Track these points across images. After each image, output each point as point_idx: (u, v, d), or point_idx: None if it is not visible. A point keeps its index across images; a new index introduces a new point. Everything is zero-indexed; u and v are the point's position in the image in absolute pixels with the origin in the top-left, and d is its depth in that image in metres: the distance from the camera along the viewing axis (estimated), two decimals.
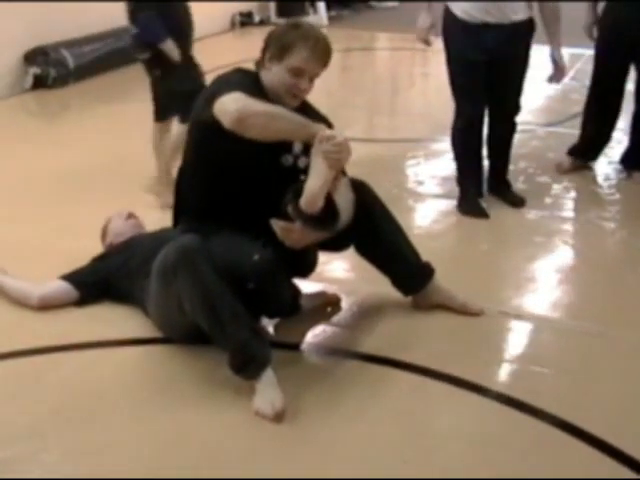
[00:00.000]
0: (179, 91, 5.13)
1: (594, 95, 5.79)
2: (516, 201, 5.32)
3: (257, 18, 11.97)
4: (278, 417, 3.11)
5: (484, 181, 5.47)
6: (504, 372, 3.51)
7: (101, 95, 8.13)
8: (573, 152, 5.96)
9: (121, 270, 3.88)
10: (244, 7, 11.89)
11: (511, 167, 5.88)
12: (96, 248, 4.19)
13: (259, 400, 3.17)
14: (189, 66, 5.43)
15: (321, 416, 3.17)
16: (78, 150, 6.29)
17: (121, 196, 5.13)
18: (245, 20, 11.73)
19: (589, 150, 5.96)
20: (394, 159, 6.06)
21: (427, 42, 5.30)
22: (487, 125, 5.33)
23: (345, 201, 3.47)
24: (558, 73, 5.29)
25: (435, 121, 6.82)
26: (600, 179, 5.87)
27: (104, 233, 4.30)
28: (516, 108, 5.32)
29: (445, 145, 6.06)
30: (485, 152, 5.44)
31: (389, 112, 8.05)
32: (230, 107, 3.21)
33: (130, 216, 4.35)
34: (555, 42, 5.15)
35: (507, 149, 5.48)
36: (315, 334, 3.77)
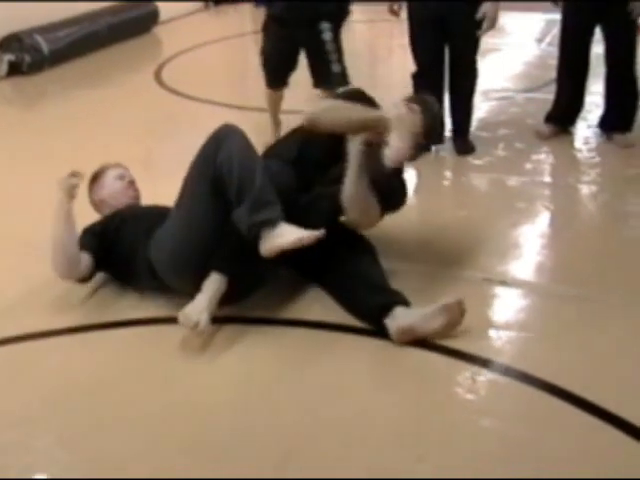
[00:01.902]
0: None
1: (563, 60, 5.83)
2: (462, 149, 5.52)
3: None
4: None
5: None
6: (490, 339, 3.52)
7: (77, 80, 8.10)
8: (550, 118, 5.99)
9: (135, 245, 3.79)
10: None
11: (491, 134, 5.91)
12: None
13: (291, 234, 3.37)
14: None
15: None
16: (58, 136, 6.27)
17: None
18: None
19: (565, 115, 5.99)
20: None
21: (395, 13, 5.67)
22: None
23: None
24: (488, 23, 5.38)
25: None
26: (580, 143, 5.88)
27: (98, 184, 4.17)
28: (472, 63, 5.61)
29: None
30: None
31: (368, 84, 8.00)
32: (306, 112, 3.63)
33: (133, 183, 4.23)
34: None
35: (466, 98, 5.74)
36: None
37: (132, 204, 4.14)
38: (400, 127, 3.52)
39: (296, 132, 4.03)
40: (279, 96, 5.86)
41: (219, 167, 3.49)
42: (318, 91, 5.57)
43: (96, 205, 4.16)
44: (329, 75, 5.45)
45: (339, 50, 5.46)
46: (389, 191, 3.84)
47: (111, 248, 3.82)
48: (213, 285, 3.51)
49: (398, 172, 3.89)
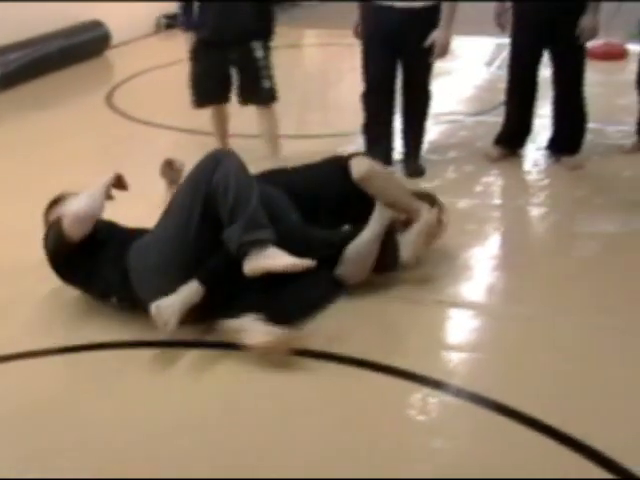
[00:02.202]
0: None
1: (512, 83, 5.90)
2: (412, 172, 5.57)
3: (180, 23, 11.85)
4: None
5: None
6: (442, 360, 3.55)
7: (29, 103, 8.03)
8: (499, 141, 6.05)
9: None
10: (169, 9, 11.80)
11: (440, 157, 5.96)
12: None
13: (280, 259, 3.51)
14: None
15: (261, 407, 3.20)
16: (8, 159, 6.22)
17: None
18: (170, 22, 11.63)
19: (514, 138, 6.06)
20: (326, 153, 6.05)
21: (359, 35, 5.72)
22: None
23: None
24: (438, 50, 5.47)
25: None
26: (529, 165, 5.95)
27: (59, 206, 4.10)
28: (425, 86, 5.70)
29: None
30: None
31: (320, 107, 8.08)
32: (367, 163, 4.16)
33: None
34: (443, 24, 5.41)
35: (417, 121, 5.82)
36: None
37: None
38: (423, 230, 4.12)
39: (316, 171, 4.33)
40: (222, 113, 5.94)
41: (215, 185, 3.58)
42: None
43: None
44: (260, 91, 5.70)
45: (269, 67, 5.68)
46: (384, 255, 4.03)
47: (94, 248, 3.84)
48: (189, 291, 3.56)
49: (392, 238, 4.08)
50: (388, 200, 4.03)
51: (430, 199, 4.37)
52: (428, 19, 5.38)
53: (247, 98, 5.76)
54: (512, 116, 5.97)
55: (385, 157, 5.53)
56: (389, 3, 5.32)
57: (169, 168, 4.46)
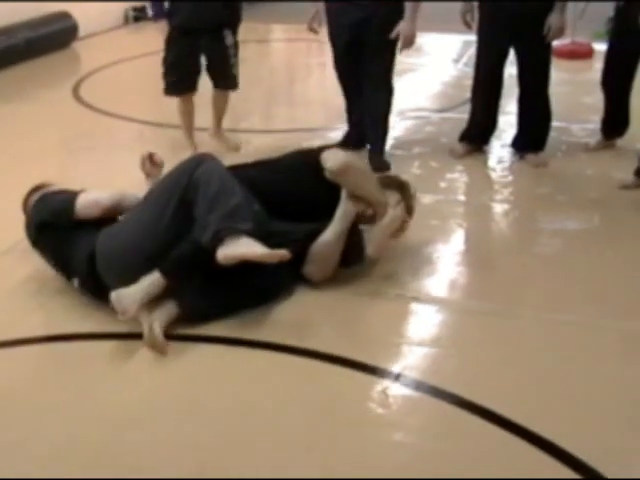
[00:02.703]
0: None
1: (477, 80, 5.94)
2: (377, 166, 5.51)
3: (151, 13, 11.82)
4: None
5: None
6: (404, 354, 3.57)
7: None
8: (464, 137, 6.09)
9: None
10: (137, 2, 11.76)
11: (405, 153, 5.99)
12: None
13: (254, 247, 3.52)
14: None
15: (224, 407, 3.21)
16: None
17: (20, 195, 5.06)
18: (139, 15, 11.60)
19: (479, 134, 6.09)
20: (291, 148, 6.07)
21: (314, 30, 5.86)
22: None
23: None
24: (404, 42, 5.50)
25: (332, 109, 6.83)
26: (493, 162, 5.98)
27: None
28: (386, 79, 5.70)
29: (341, 133, 6.14)
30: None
31: (286, 102, 8.07)
32: (342, 155, 4.05)
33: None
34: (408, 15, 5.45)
35: (380, 117, 5.82)
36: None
37: None
38: (390, 225, 4.18)
39: (285, 165, 4.31)
40: (189, 104, 6.00)
41: (196, 179, 3.63)
42: None
43: None
44: (228, 76, 5.92)
45: (237, 54, 5.91)
46: (349, 250, 4.04)
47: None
48: (150, 281, 3.57)
49: (357, 232, 4.09)
50: (360, 193, 4.01)
51: (400, 185, 4.38)
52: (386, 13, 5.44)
53: (218, 82, 5.97)
54: (477, 113, 6.00)
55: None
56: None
57: (149, 162, 4.46)
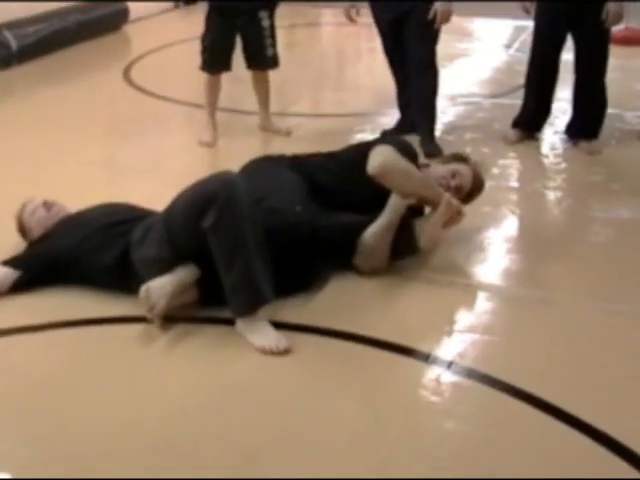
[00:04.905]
0: None
1: (533, 67, 5.87)
2: (429, 151, 5.53)
3: None
4: (287, 351, 3.39)
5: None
6: (455, 342, 3.54)
7: (45, 77, 8.04)
8: (517, 124, 6.03)
9: (75, 251, 3.79)
10: None
11: (457, 138, 5.94)
12: None
13: (260, 338, 3.40)
14: None
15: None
16: (24, 134, 6.21)
17: (72, 178, 5.10)
18: None
19: (532, 121, 6.03)
20: (342, 134, 6.05)
21: (352, 19, 5.94)
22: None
23: None
24: (440, 18, 5.52)
25: (382, 94, 6.81)
26: (546, 149, 5.93)
27: (26, 228, 4.13)
28: (429, 63, 5.72)
29: (391, 118, 6.11)
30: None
31: (336, 87, 8.05)
32: (381, 157, 3.93)
33: (48, 204, 4.14)
34: None
35: (427, 102, 5.81)
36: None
37: (63, 217, 4.11)
38: (444, 216, 3.98)
39: (344, 160, 4.29)
40: (218, 82, 6.04)
41: (206, 230, 3.45)
42: None
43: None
44: (264, 57, 6.01)
45: (273, 36, 5.99)
46: (400, 242, 4.01)
47: (55, 271, 3.83)
48: (184, 271, 3.53)
49: (409, 225, 4.04)
50: (406, 193, 3.96)
51: (461, 158, 4.45)
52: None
53: (252, 64, 6.05)
54: (531, 99, 5.93)
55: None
56: None
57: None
